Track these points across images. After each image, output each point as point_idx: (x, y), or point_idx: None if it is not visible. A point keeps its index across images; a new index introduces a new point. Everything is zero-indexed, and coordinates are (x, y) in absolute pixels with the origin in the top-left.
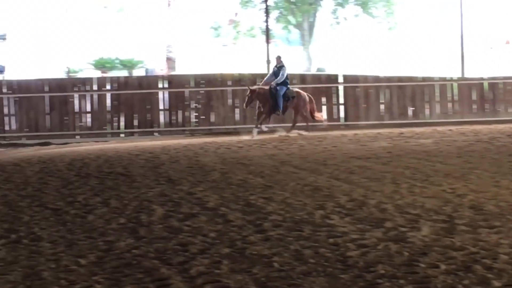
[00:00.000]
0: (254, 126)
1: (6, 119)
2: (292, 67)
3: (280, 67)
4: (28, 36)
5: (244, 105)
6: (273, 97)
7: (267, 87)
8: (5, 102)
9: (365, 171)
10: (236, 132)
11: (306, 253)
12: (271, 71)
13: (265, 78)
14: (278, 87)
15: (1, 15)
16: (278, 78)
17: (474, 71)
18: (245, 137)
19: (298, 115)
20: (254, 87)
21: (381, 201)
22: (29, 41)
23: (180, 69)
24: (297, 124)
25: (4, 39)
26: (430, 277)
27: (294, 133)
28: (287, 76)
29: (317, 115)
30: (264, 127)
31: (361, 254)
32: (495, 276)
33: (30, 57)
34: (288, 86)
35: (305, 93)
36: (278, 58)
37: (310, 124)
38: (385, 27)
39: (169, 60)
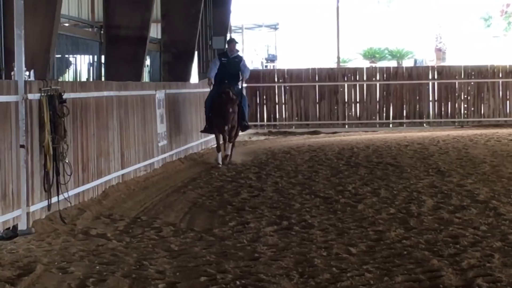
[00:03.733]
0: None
1: (277, 107)
2: None
3: (236, 57)
4: (299, 26)
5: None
6: (240, 102)
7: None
8: (276, 91)
9: None
10: (507, 124)
11: None
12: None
13: (210, 72)
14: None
15: (274, 5)
16: (246, 73)
17: None
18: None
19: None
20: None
21: None
22: (300, 31)
23: (450, 60)
24: None
25: (277, 28)
26: None
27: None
28: None
29: None
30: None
31: None
32: None
33: (301, 46)
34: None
35: None
36: (233, 43)
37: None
38: None
39: (439, 51)
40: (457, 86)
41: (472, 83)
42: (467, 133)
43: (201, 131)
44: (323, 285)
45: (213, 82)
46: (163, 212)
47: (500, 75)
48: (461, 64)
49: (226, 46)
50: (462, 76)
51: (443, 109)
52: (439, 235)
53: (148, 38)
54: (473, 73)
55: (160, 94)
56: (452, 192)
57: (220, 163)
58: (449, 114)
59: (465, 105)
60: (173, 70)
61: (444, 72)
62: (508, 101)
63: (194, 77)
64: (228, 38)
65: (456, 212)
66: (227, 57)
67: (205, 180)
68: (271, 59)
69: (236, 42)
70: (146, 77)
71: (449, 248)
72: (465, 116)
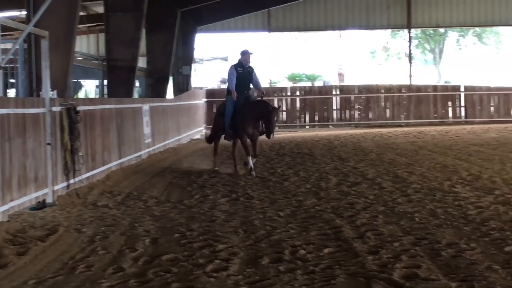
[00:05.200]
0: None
1: None
2: (427, 80)
3: (249, 67)
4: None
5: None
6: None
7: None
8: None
9: (479, 154)
10: (387, 125)
11: (438, 211)
12: (232, 71)
13: (231, 84)
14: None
15: (225, 43)
16: (261, 86)
17: None
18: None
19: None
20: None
21: (492, 176)
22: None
23: (348, 81)
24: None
25: (226, 60)
26: None
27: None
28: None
29: None
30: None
31: (478, 213)
32: None
33: None
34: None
35: None
36: (248, 54)
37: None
38: (494, 51)
39: (340, 74)
40: (352, 99)
41: (363, 97)
42: (359, 132)
43: (226, 138)
44: (260, 238)
45: (236, 94)
46: (149, 189)
47: (382, 91)
48: (356, 84)
49: (240, 57)
50: (356, 92)
51: (343, 115)
52: (341, 203)
53: (137, 67)
54: (363, 90)
55: (145, 107)
56: (349, 173)
57: (252, 166)
58: (347, 119)
59: (358, 112)
60: (155, 89)
61: (344, 89)
62: (388, 109)
63: (169, 94)
64: (244, 49)
65: (353, 187)
66: (242, 67)
67: (177, 167)
68: (223, 81)
69: (251, 53)
70: (136, 94)
71: (347, 211)
72: (358, 120)
